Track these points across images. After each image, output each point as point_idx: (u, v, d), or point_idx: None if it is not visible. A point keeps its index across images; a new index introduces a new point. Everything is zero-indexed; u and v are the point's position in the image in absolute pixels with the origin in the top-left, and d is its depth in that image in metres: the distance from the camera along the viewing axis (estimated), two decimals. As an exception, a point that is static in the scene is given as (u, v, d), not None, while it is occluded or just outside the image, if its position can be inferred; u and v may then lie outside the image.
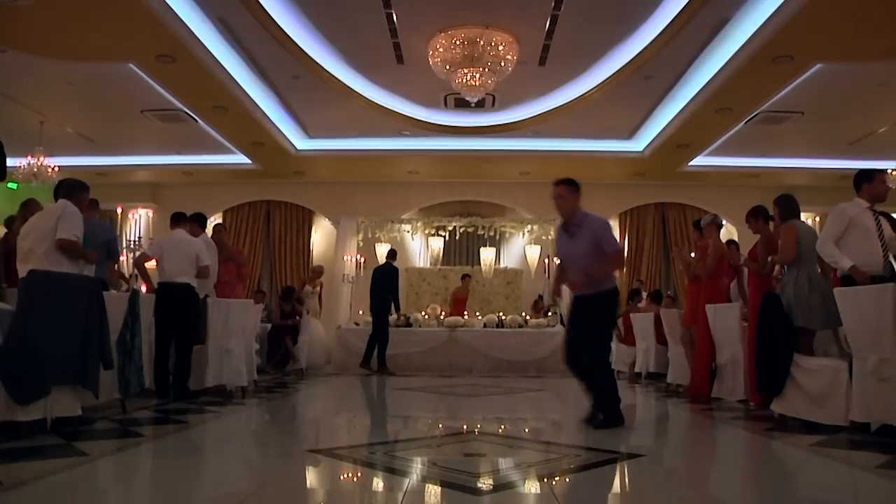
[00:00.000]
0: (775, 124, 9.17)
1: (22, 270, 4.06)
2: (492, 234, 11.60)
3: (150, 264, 5.94)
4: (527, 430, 4.67)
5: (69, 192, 4.49)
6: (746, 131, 9.45)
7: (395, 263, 9.69)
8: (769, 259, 5.04)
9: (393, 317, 9.49)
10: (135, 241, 8.49)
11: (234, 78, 7.92)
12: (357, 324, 10.20)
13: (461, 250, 12.71)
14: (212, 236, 6.77)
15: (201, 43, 7.00)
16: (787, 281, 4.46)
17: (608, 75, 8.14)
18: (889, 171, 9.13)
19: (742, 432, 4.32)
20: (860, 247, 4.18)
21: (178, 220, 6.01)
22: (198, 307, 5.69)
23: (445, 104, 9.19)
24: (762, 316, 4.49)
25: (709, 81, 7.84)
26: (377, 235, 11.57)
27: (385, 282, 9.31)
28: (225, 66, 7.61)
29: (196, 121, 9.19)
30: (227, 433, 4.29)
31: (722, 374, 5.59)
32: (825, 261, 4.32)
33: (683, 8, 6.50)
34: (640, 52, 7.46)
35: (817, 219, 11.62)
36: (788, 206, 4.79)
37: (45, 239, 4.14)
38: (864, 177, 4.38)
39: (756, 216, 5.40)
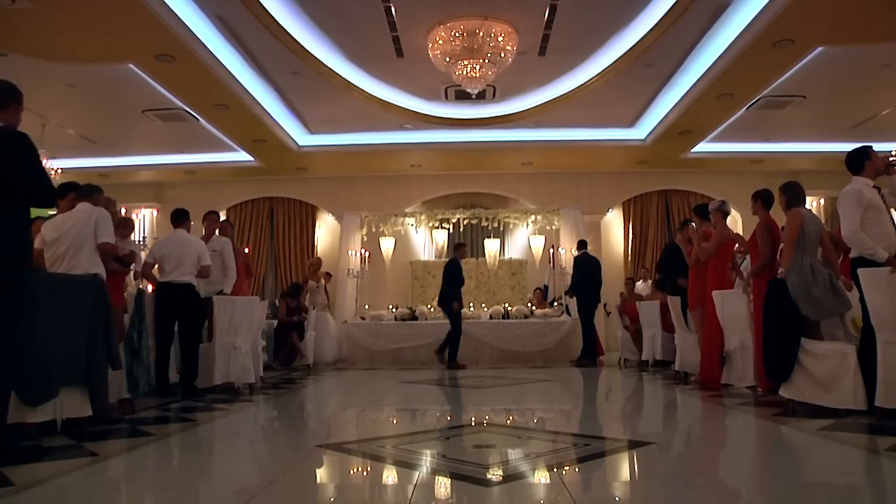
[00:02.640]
0: (777, 109, 9.10)
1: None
2: (495, 225, 11.58)
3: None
4: (535, 421, 4.67)
5: (88, 194, 4.60)
6: (748, 117, 9.38)
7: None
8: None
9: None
10: (139, 242, 8.51)
11: (234, 75, 7.90)
12: (363, 318, 10.20)
13: (465, 242, 12.67)
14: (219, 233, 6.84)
15: (200, 41, 6.98)
16: (791, 269, 4.39)
17: (608, 64, 8.08)
18: (892, 152, 9.06)
19: (751, 418, 4.30)
20: (876, 229, 4.07)
21: (180, 218, 6.00)
22: (199, 306, 5.69)
23: (446, 96, 9.15)
24: (768, 302, 4.45)
25: (709, 67, 7.78)
26: (381, 229, 11.57)
27: (457, 274, 9.20)
28: (225, 63, 7.59)
29: (197, 119, 9.18)
30: (235, 430, 4.30)
31: (731, 360, 5.57)
32: (857, 250, 4.11)
33: (683, -7, 6.45)
34: (640, 40, 7.41)
35: (822, 201, 11.57)
36: (793, 193, 4.71)
37: (84, 243, 4.32)
38: (864, 155, 4.30)
39: (755, 199, 5.37)
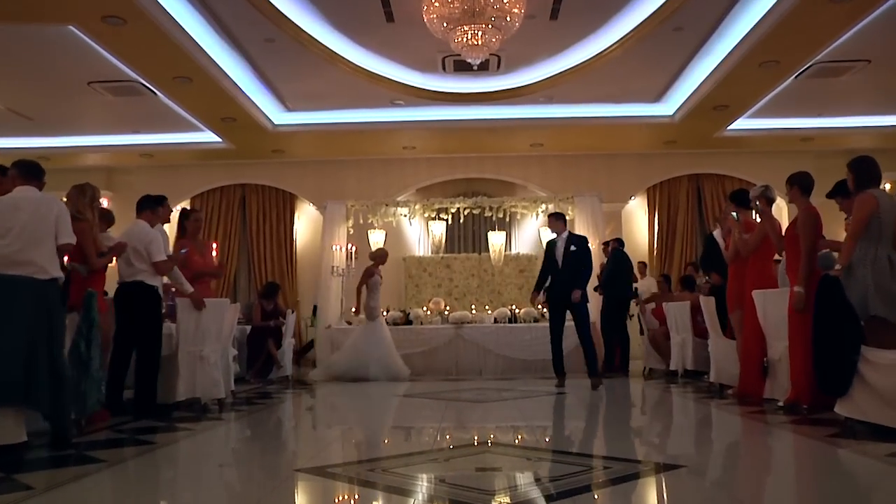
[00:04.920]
0: (833, 77, 8.99)
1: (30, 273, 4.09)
2: (501, 215, 11.53)
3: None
4: (547, 440, 4.66)
5: (36, 175, 4.47)
6: (797, 87, 9.31)
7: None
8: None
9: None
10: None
11: (197, 42, 7.82)
12: (349, 323, 10.17)
13: (466, 235, 12.69)
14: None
15: (156, 1, 6.90)
16: (858, 262, 4.26)
17: (631, 28, 8.04)
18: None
19: (800, 439, 4.26)
20: None
21: (140, 207, 5.91)
22: (154, 308, 5.62)
23: (444, 68, 9.11)
24: (820, 303, 4.39)
25: (751, 30, 7.70)
26: (370, 221, 11.51)
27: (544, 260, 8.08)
28: (186, 28, 7.51)
29: (155, 94, 9.12)
30: (202, 453, 4.27)
31: (775, 370, 5.53)
32: None
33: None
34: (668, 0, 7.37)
35: (887, 186, 11.50)
36: (864, 171, 4.47)
37: (42, 241, 4.20)
38: None
39: (791, 184, 5.30)
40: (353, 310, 9.45)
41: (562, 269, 7.65)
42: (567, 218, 11.18)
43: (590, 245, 8.14)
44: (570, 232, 7.95)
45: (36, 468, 3.55)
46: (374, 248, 11.40)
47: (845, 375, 4.12)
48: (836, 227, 7.29)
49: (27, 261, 4.12)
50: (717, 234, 7.27)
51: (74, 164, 11.88)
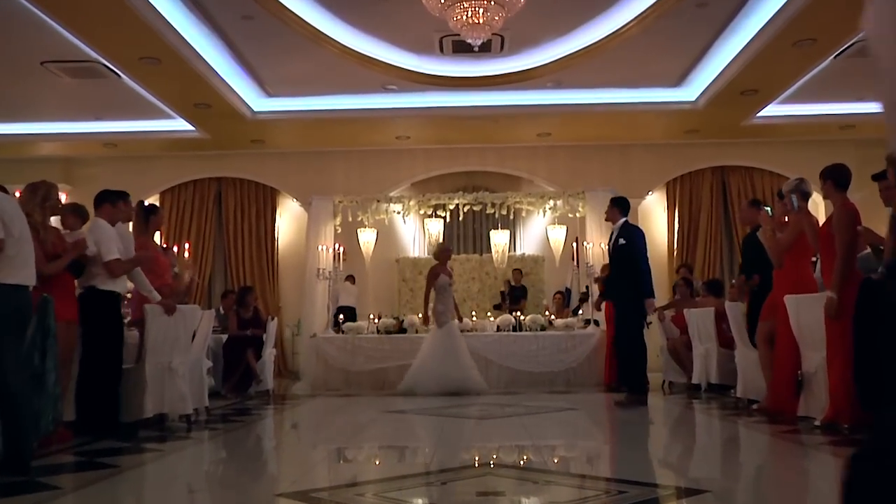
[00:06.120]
0: (879, 56, 9.02)
1: (25, 279, 4.12)
2: (504, 212, 11.54)
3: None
4: (555, 461, 4.65)
5: None
6: (836, 68, 9.33)
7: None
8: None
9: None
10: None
11: (166, 19, 7.82)
12: (337, 331, 10.16)
13: (466, 234, 12.71)
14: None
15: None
16: None
17: (649, 4, 8.05)
18: None
19: (840, 462, 4.21)
20: None
21: (97, 202, 5.83)
22: (109, 315, 5.56)
23: (441, 49, 9.13)
24: (860, 309, 4.37)
25: (784, 5, 7.70)
26: (360, 219, 11.52)
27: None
28: (153, 2, 7.50)
29: (119, 76, 9.11)
30: (171, 477, 4.25)
31: (810, 385, 5.51)
32: None
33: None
34: (691, -28, 7.39)
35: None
36: None
37: (32, 245, 4.29)
38: None
39: (824, 178, 5.28)
40: (421, 318, 9.45)
41: (611, 265, 7.62)
42: (576, 215, 11.21)
43: (645, 240, 7.56)
44: (626, 221, 7.52)
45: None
46: (366, 251, 11.42)
47: (890, 390, 4.09)
48: (877, 224, 7.27)
49: (31, 264, 4.17)
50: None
51: (27, 154, 11.90)
